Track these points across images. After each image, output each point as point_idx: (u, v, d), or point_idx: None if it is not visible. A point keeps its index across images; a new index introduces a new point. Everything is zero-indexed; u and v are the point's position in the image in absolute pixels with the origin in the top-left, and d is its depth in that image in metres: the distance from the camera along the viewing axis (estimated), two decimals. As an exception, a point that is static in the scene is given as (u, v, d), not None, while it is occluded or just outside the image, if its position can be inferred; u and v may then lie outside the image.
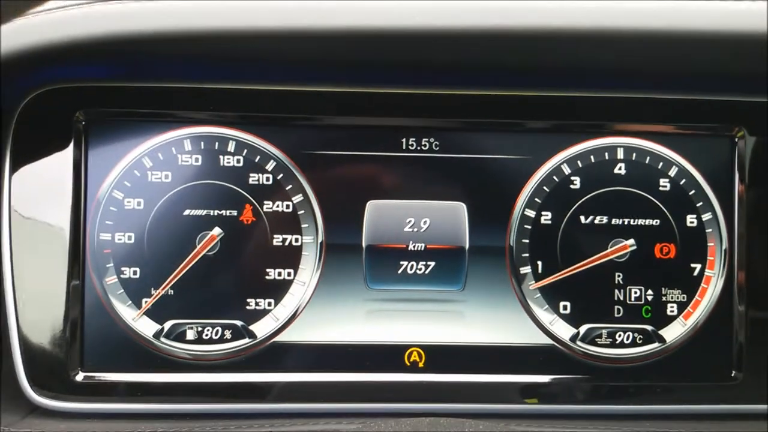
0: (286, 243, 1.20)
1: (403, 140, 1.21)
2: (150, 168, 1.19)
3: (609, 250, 1.21)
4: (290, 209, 1.20)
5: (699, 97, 1.20)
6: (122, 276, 1.18)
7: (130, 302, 1.18)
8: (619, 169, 1.22)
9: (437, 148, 1.21)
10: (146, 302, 1.18)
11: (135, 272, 1.18)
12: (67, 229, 1.16)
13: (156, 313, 1.18)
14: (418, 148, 1.21)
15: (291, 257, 1.20)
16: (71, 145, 1.17)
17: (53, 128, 1.17)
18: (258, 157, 1.20)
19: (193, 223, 1.19)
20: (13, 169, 1.15)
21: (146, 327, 1.18)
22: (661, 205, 1.22)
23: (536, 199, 1.22)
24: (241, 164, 1.20)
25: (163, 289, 1.18)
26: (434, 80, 1.17)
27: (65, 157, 1.17)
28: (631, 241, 1.21)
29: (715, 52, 1.08)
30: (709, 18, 1.04)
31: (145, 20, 1.06)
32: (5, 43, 1.04)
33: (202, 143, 1.20)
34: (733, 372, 1.21)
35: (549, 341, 1.21)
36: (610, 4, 1.07)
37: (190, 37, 1.07)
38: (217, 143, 1.20)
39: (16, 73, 1.10)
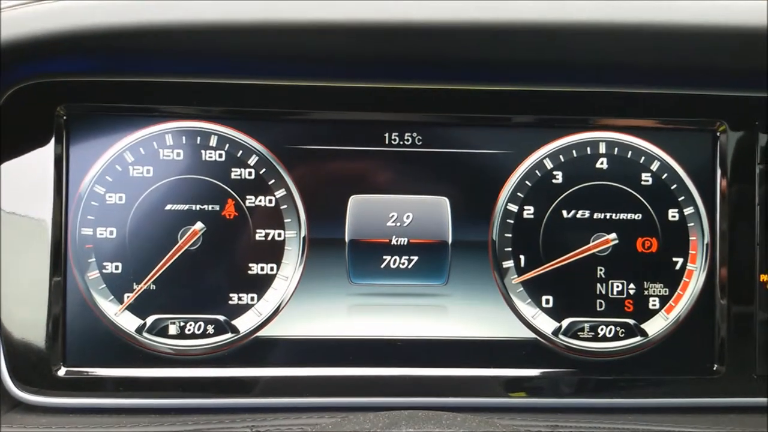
0: (269, 238, 1.20)
1: (386, 135, 1.21)
2: (131, 163, 1.19)
3: (591, 244, 1.21)
4: (273, 204, 1.20)
5: (681, 92, 1.20)
6: (104, 271, 1.18)
7: (113, 297, 1.18)
8: (601, 163, 1.22)
9: (420, 143, 1.21)
10: (128, 297, 1.18)
11: (117, 267, 1.18)
12: (49, 225, 1.16)
13: (138, 308, 1.18)
14: (401, 142, 1.21)
15: (274, 252, 1.20)
16: (52, 140, 1.16)
17: (34, 123, 1.16)
18: (240, 152, 1.20)
19: (175, 218, 1.18)
20: (-5, 165, 1.15)
21: (128, 322, 1.18)
22: (643, 200, 1.22)
23: (519, 194, 1.21)
24: (223, 159, 1.20)
25: (145, 284, 1.18)
26: (417, 75, 1.17)
27: (46, 152, 1.16)
28: (613, 235, 1.21)
29: (697, 48, 1.08)
30: (691, 13, 1.04)
31: (126, 14, 1.05)
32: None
33: (184, 138, 1.19)
34: (715, 365, 1.21)
35: (532, 335, 1.21)
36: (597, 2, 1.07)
37: (172, 31, 1.06)
38: (198, 138, 1.19)
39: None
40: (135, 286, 1.18)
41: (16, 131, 1.16)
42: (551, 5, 1.03)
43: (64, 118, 1.17)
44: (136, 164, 1.18)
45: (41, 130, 1.16)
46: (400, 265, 1.21)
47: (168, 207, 1.18)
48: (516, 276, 1.21)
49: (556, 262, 1.21)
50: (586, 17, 1.02)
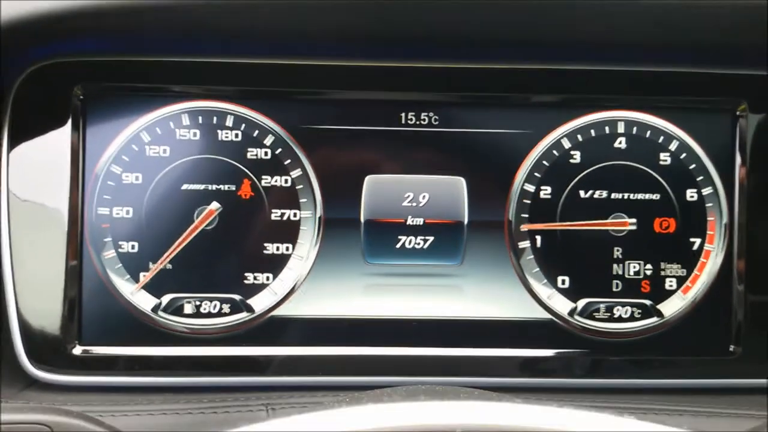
0: (285, 218, 1.20)
1: (402, 115, 1.20)
2: (148, 142, 1.19)
3: (609, 220, 1.20)
4: (288, 184, 1.20)
5: (701, 71, 1.19)
6: (120, 250, 1.18)
7: (128, 276, 1.18)
8: (620, 143, 1.21)
9: (437, 123, 1.21)
10: (144, 276, 1.18)
11: (133, 246, 1.18)
12: (66, 204, 1.16)
13: (154, 288, 1.18)
14: (418, 122, 1.21)
15: (289, 232, 1.20)
16: (69, 121, 1.16)
17: (51, 104, 1.16)
18: (256, 132, 1.20)
19: (192, 198, 1.18)
20: (11, 145, 1.14)
21: (144, 301, 1.18)
22: (661, 180, 1.21)
23: (536, 174, 1.21)
24: (239, 139, 1.20)
25: (161, 263, 1.18)
26: (433, 53, 1.17)
27: (63, 133, 1.16)
28: (633, 219, 1.20)
29: (718, 24, 1.07)
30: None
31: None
32: (3, 17, 1.03)
33: (200, 118, 1.19)
34: (732, 346, 1.21)
35: (547, 316, 1.21)
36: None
37: (190, 9, 1.07)
38: (215, 118, 1.19)
39: (13, 47, 1.09)
40: (151, 266, 1.18)
41: (32, 111, 1.16)
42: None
43: (81, 98, 1.17)
44: (152, 144, 1.18)
45: (58, 111, 1.16)
46: (416, 245, 1.21)
47: (184, 187, 1.18)
48: (532, 256, 1.20)
49: (570, 225, 1.20)
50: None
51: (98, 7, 1.07)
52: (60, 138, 1.16)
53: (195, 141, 1.19)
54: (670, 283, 1.21)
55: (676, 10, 1.03)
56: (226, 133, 1.20)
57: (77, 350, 1.16)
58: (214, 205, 1.18)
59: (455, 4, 1.02)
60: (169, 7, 1.04)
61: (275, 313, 1.19)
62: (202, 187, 1.19)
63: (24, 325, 1.15)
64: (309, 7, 1.03)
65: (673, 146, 1.22)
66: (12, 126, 1.15)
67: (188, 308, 1.18)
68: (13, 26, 1.05)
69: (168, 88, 1.19)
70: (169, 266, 1.18)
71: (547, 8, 1.03)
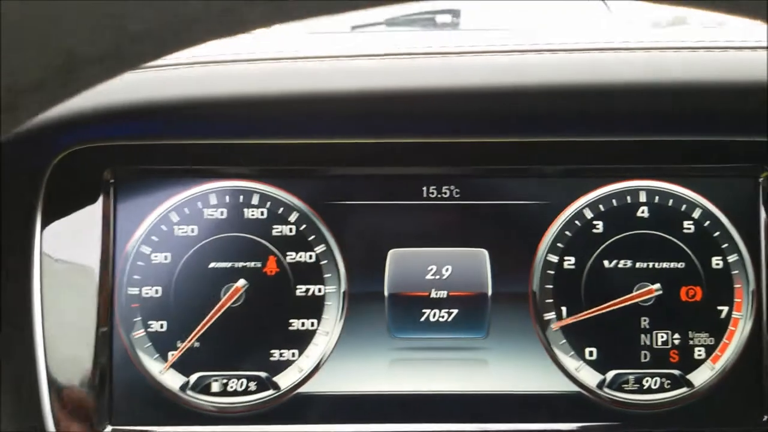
0: (309, 293, 1.21)
1: (424, 188, 1.22)
2: (177, 222, 1.21)
3: (634, 293, 1.19)
4: (313, 259, 1.21)
5: (720, 138, 1.19)
6: (149, 330, 1.19)
7: (157, 355, 1.19)
8: (642, 212, 1.21)
9: (458, 196, 1.22)
10: (173, 355, 1.19)
11: (162, 325, 1.20)
12: (96, 285, 1.18)
13: (182, 366, 1.19)
14: (439, 195, 1.22)
15: (314, 307, 1.20)
16: (100, 202, 1.19)
17: (82, 186, 1.19)
18: (281, 209, 1.22)
19: (219, 276, 1.20)
20: (44, 225, 1.17)
21: (172, 380, 1.19)
22: (685, 248, 1.21)
23: (558, 244, 1.21)
24: (264, 216, 1.22)
25: (189, 341, 1.19)
26: (453, 129, 1.19)
27: (94, 214, 1.19)
28: (657, 285, 1.19)
29: (735, 95, 1.09)
30: (728, 65, 1.05)
31: (176, 88, 1.11)
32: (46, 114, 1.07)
33: (227, 197, 1.22)
34: (765, 416, 1.18)
35: (575, 388, 1.19)
36: (630, 55, 1.10)
37: (217, 101, 1.12)
38: (241, 196, 1.22)
39: (48, 134, 1.14)
40: (179, 344, 1.19)
41: (65, 194, 1.19)
42: (589, 63, 1.05)
43: (112, 181, 1.20)
44: (181, 224, 1.21)
45: (89, 193, 1.19)
46: (440, 319, 1.21)
47: (212, 265, 1.20)
48: (556, 322, 1.20)
49: (596, 310, 1.19)
50: (624, 75, 1.04)
51: (132, 102, 1.13)
52: (91, 219, 1.19)
53: (222, 220, 1.21)
54: (699, 353, 1.19)
55: (696, 85, 1.05)
56: (252, 211, 1.22)
57: (108, 430, 1.17)
58: (241, 283, 1.20)
59: (480, 90, 1.05)
60: (201, 100, 1.09)
61: (301, 390, 1.19)
62: (228, 264, 1.21)
63: (54, 406, 1.15)
64: (336, 98, 1.07)
65: (696, 214, 1.21)
66: (45, 208, 1.17)
67: (215, 386, 1.19)
68: (50, 117, 1.11)
69: (196, 170, 1.22)
70: (197, 344, 1.19)
71: (569, 89, 1.06)
